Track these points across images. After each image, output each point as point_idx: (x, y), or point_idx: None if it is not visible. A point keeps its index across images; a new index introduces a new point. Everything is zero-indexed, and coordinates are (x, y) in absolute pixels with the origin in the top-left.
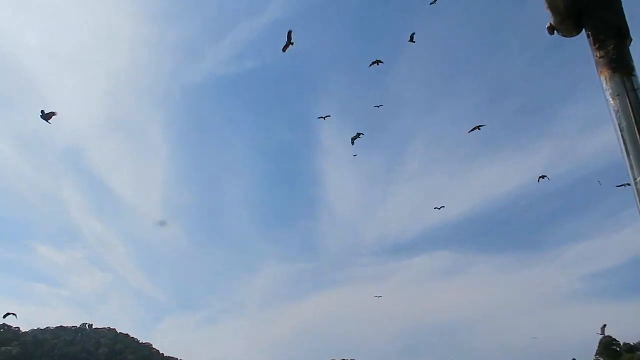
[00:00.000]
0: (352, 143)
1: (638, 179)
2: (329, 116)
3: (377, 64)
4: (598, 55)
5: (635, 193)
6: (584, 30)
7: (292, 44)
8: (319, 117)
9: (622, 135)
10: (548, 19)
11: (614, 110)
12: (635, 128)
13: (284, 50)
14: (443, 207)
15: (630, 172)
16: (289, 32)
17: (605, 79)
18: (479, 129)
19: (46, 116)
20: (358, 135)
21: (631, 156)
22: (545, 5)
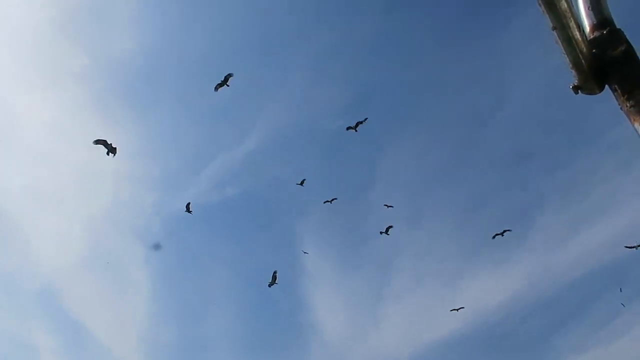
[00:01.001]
0: (272, 284)
1: None
2: (335, 199)
3: (355, 129)
4: (628, 105)
5: None
6: (607, 87)
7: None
8: (324, 202)
9: None
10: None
11: None
12: None
13: (216, 89)
14: (462, 307)
15: None
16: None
17: (638, 125)
18: (388, 231)
19: (108, 148)
20: (274, 277)
21: None
22: (569, 66)
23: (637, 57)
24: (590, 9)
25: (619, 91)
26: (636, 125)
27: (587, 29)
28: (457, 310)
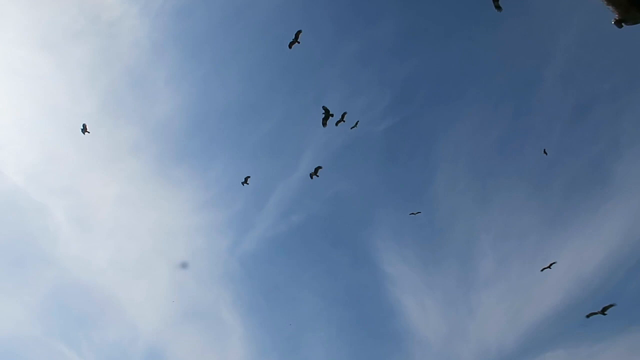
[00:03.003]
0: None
1: None
2: (419, 212)
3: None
4: None
5: None
6: None
7: (298, 42)
8: (410, 214)
9: None
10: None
11: None
12: None
13: (290, 46)
14: (554, 263)
15: None
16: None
17: None
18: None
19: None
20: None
21: None
22: (604, 4)
23: None
24: None
25: None
26: None
27: None
28: (550, 267)
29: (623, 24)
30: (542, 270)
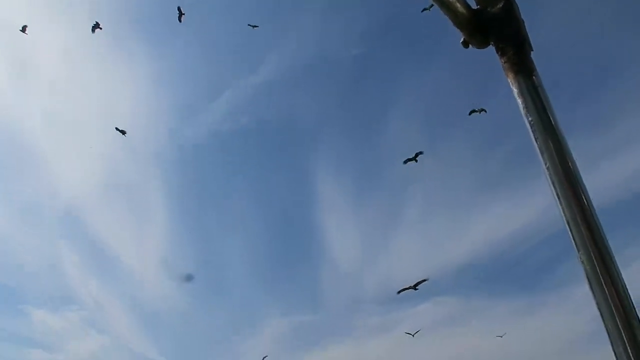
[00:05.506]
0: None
1: (548, 164)
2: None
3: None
4: (503, 61)
5: (547, 177)
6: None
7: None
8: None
9: (531, 127)
10: None
11: (522, 106)
12: (540, 120)
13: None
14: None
15: (541, 158)
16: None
17: (510, 80)
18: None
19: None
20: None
21: (541, 144)
22: (452, 23)
23: (516, 13)
24: None
25: (495, 46)
26: (508, 79)
27: None
28: None
29: (469, 45)
30: None
